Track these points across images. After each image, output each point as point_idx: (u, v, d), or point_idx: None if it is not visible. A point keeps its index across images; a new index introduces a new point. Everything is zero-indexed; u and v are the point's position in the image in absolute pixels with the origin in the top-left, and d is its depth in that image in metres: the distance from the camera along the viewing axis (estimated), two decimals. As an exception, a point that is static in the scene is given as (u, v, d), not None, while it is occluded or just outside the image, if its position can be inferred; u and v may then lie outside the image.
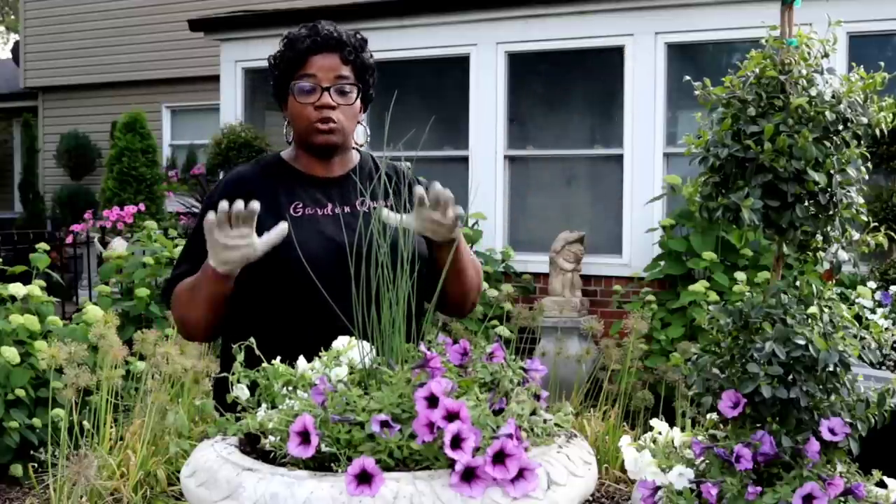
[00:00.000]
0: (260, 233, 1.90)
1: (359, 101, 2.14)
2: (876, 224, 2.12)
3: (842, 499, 1.74)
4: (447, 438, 1.22)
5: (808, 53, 1.90)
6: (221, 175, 9.42)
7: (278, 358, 1.56)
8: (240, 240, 1.86)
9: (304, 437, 1.27)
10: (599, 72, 7.63)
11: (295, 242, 1.97)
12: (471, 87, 7.71)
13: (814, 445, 1.74)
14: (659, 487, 1.80)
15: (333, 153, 2.15)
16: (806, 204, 1.85)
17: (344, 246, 2.00)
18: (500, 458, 1.22)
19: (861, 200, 1.92)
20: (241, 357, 1.54)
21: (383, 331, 1.47)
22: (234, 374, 1.52)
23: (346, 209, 2.14)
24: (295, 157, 2.19)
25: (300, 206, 2.11)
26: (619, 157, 7.24)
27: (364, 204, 2.15)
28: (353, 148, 2.23)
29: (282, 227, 1.90)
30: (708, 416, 1.93)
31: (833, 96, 1.85)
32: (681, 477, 1.79)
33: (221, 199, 1.86)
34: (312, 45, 2.09)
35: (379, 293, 1.48)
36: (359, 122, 2.18)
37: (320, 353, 1.53)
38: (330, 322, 1.81)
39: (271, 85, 2.19)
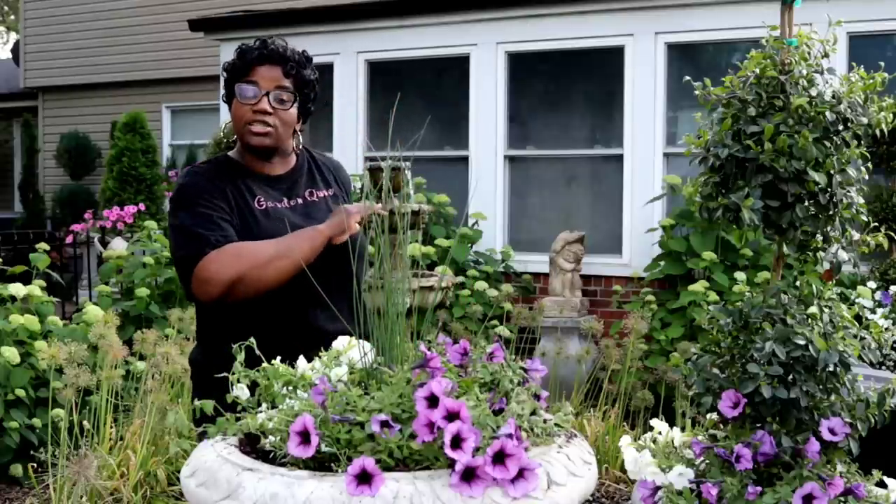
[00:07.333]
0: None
1: (295, 110, 2.36)
2: (876, 224, 2.12)
3: (842, 499, 1.74)
4: (447, 438, 1.22)
5: (809, 53, 1.90)
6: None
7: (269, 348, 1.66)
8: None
9: (304, 437, 1.27)
10: (599, 72, 7.63)
11: (266, 234, 2.24)
12: (471, 87, 7.71)
13: (814, 445, 1.74)
14: (659, 487, 1.80)
15: (270, 155, 2.38)
16: (806, 204, 1.85)
17: None
18: (500, 457, 1.22)
19: (861, 200, 1.92)
20: (241, 357, 1.54)
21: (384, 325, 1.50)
22: (234, 373, 1.52)
23: (299, 201, 2.39)
24: (241, 156, 2.41)
25: (261, 199, 2.33)
26: (619, 157, 7.24)
27: (312, 195, 2.41)
28: (293, 151, 2.45)
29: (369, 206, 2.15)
30: (708, 416, 1.93)
31: (833, 96, 1.85)
32: (681, 477, 1.79)
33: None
34: (258, 57, 2.33)
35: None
36: (297, 131, 2.41)
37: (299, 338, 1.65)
38: (310, 304, 2.17)
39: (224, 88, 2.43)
